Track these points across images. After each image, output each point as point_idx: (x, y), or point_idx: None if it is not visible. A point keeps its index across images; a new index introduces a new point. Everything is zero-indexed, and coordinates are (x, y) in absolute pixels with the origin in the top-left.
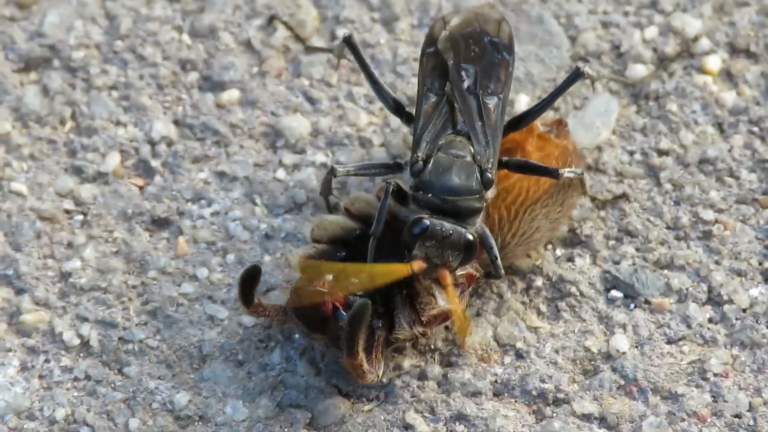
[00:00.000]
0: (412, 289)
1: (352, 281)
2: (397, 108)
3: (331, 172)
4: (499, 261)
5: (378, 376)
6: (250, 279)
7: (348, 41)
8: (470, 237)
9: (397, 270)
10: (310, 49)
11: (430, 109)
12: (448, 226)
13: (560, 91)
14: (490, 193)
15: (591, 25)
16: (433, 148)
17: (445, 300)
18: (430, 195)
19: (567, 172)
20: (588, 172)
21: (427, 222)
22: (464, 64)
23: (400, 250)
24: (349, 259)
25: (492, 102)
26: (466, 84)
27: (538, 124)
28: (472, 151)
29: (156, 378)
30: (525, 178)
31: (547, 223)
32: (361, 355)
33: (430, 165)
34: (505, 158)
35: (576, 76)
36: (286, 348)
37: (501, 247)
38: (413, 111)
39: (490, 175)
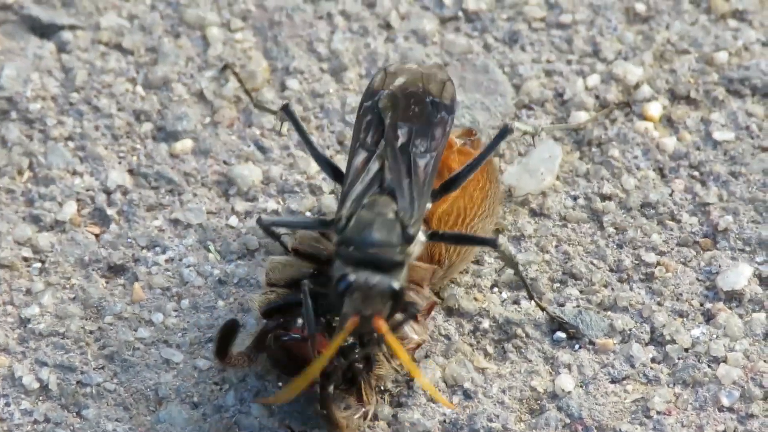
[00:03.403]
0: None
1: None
2: (335, 174)
3: (258, 221)
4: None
5: (367, 416)
6: (228, 334)
7: (286, 109)
8: (394, 284)
9: (337, 340)
10: (257, 106)
11: (360, 166)
12: (372, 276)
13: (490, 149)
14: (415, 249)
15: (535, 74)
16: (356, 206)
17: (416, 332)
18: (351, 248)
19: (501, 241)
20: (533, 217)
21: (351, 277)
22: (401, 122)
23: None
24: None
25: (423, 160)
26: (399, 142)
27: (455, 139)
28: (395, 208)
29: (114, 420)
30: (460, 197)
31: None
32: (340, 421)
33: (352, 222)
34: (440, 231)
35: (504, 132)
36: (240, 390)
37: (447, 267)
38: None
39: (411, 231)
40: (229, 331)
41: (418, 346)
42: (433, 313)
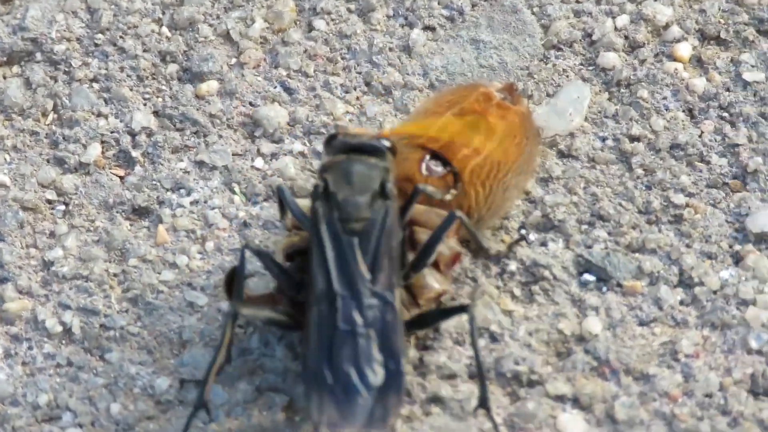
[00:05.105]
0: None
1: None
2: None
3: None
4: None
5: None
6: (231, 281)
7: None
8: None
9: None
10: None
11: None
12: None
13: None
14: None
15: (563, 14)
16: None
17: (438, 282)
18: None
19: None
20: (561, 159)
21: None
22: None
23: None
24: None
25: None
26: None
27: (495, 93)
28: None
29: (137, 363)
30: (495, 151)
31: (516, 191)
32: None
33: None
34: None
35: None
36: (265, 333)
37: (477, 221)
38: None
39: None
40: (231, 279)
41: (439, 295)
42: (458, 264)
